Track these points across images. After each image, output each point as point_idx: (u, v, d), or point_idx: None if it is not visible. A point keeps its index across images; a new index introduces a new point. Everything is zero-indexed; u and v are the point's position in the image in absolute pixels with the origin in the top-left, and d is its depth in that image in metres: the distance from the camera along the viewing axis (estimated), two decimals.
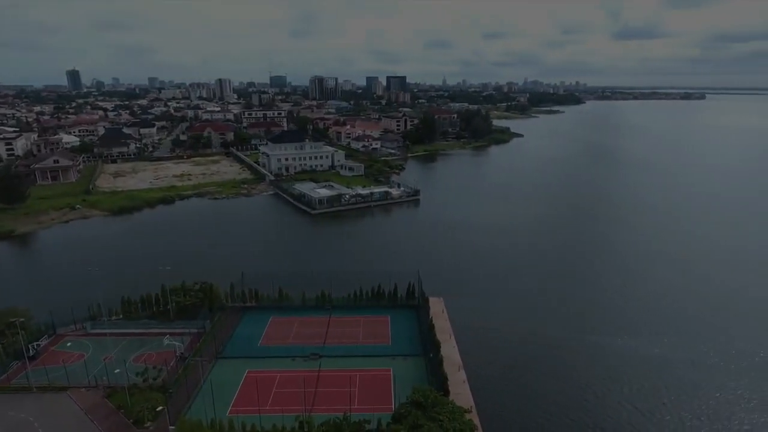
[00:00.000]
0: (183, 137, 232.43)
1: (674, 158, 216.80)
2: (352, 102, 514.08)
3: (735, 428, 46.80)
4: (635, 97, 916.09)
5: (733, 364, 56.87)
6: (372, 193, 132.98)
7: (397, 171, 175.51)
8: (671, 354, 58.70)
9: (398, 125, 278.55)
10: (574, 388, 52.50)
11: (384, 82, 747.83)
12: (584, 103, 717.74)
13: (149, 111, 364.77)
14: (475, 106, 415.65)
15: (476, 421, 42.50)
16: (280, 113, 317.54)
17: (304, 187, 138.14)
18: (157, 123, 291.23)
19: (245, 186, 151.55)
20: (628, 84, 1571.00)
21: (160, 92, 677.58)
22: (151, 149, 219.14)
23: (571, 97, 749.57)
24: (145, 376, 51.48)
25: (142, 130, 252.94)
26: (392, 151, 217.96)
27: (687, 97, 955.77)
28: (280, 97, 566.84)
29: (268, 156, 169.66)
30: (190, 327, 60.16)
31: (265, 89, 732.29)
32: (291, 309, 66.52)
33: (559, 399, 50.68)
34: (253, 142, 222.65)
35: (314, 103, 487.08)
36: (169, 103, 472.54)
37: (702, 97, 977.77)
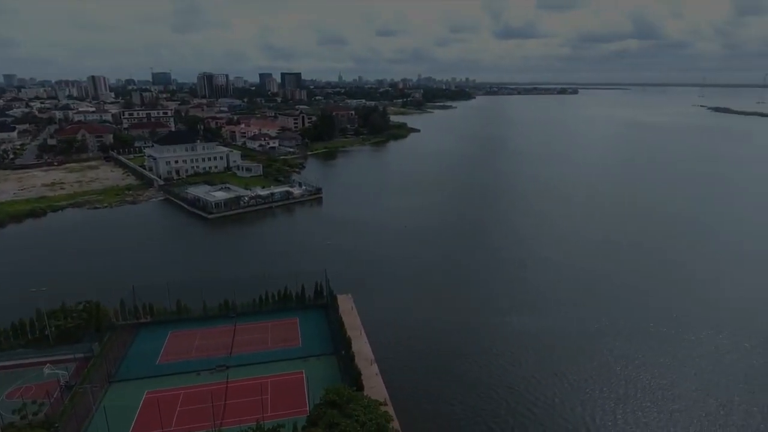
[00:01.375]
0: (52, 141, 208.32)
1: (559, 148, 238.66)
2: (245, 100, 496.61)
3: (614, 386, 53.13)
4: (519, 93, 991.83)
5: (617, 330, 64.37)
6: (272, 194, 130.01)
7: (297, 170, 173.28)
8: (564, 325, 64.94)
9: (296, 123, 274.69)
10: (482, 367, 56.04)
11: (278, 79, 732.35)
12: (474, 98, 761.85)
13: (7, 113, 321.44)
14: (373, 103, 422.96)
15: (391, 411, 43.73)
16: (166, 113, 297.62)
17: (199, 191, 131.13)
18: (18, 126, 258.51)
19: (130, 193, 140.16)
20: (512, 80, 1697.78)
21: (20, 91, 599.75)
22: (12, 156, 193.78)
23: (463, 92, 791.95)
24: (23, 413, 45.87)
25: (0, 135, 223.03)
26: (291, 149, 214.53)
27: (563, 92, 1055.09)
28: (164, 96, 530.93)
29: (155, 159, 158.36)
30: (74, 352, 54.53)
31: (147, 87, 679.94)
32: (191, 321, 63.06)
33: (468, 378, 53.85)
34: (136, 144, 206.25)
35: (204, 101, 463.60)
36: (32, 104, 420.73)
37: (575, 92, 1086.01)
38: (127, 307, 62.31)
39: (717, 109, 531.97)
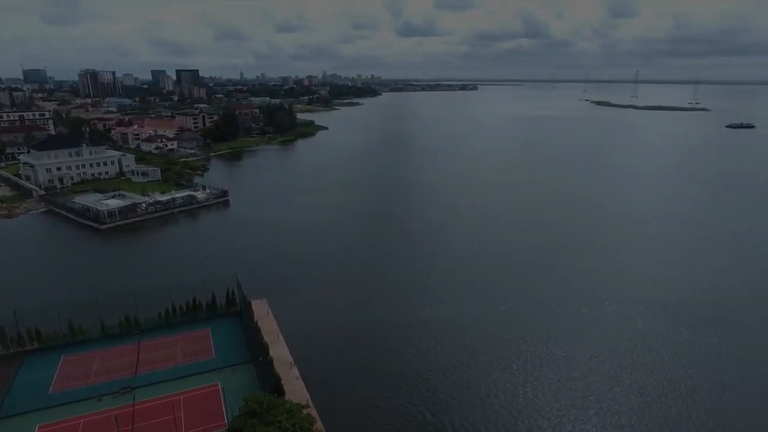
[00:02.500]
0: None
1: (464, 142, 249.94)
2: (137, 99, 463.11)
3: (515, 359, 57.25)
4: (423, 89, 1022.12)
5: (524, 310, 69.13)
6: (174, 199, 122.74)
7: (200, 172, 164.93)
8: (477, 310, 68.50)
9: (195, 123, 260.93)
10: (401, 360, 57.52)
11: (174, 76, 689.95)
12: (380, 94, 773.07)
13: None
14: (278, 100, 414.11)
15: (314, 413, 43.52)
16: (43, 114, 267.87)
17: (88, 200, 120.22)
18: None
19: (4, 205, 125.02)
20: (416, 77, 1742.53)
21: None
22: None
23: (369, 89, 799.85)
24: None
25: None
26: (192, 150, 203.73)
27: (464, 88, 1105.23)
28: (40, 95, 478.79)
29: (32, 167, 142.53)
30: None
31: (18, 86, 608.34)
32: (88, 343, 57.92)
33: (389, 372, 55.04)
34: (9, 150, 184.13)
35: (88, 101, 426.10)
36: None
37: (475, 87, 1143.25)
38: (9, 335, 55.79)
39: (599, 103, 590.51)
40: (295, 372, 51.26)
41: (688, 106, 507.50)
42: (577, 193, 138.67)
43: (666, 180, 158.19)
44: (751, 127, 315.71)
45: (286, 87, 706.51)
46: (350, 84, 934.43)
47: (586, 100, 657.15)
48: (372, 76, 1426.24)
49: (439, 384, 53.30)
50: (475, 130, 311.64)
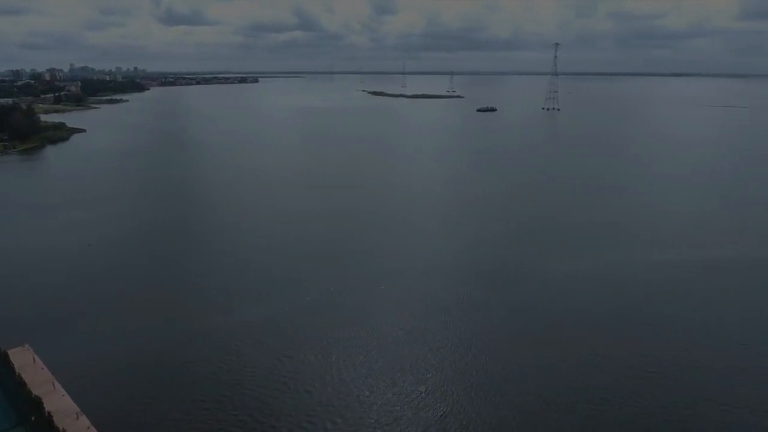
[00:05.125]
0: None
1: (242, 138, 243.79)
2: None
3: (319, 346, 59.77)
4: (198, 82, 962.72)
5: (305, 302, 71.51)
6: None
7: None
8: (273, 309, 68.41)
9: None
10: (203, 373, 54.11)
11: None
12: (149, 89, 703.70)
13: None
14: (10, 100, 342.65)
15: None
16: None
17: None
18: None
19: None
20: (189, 69, 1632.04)
21: None
22: None
23: (134, 84, 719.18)
24: None
25: None
26: None
27: (243, 81, 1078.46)
28: None
29: None
30: None
31: None
32: None
33: (195, 390, 51.30)
34: None
35: None
36: None
37: (256, 80, 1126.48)
38: None
39: (376, 93, 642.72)
40: (85, 421, 43.97)
41: (447, 94, 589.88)
42: (370, 176, 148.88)
43: (441, 157, 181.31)
44: (494, 110, 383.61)
45: (19, 83, 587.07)
46: (108, 78, 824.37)
47: (364, 90, 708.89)
48: (135, 68, 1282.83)
49: (250, 393, 51.68)
50: (261, 124, 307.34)
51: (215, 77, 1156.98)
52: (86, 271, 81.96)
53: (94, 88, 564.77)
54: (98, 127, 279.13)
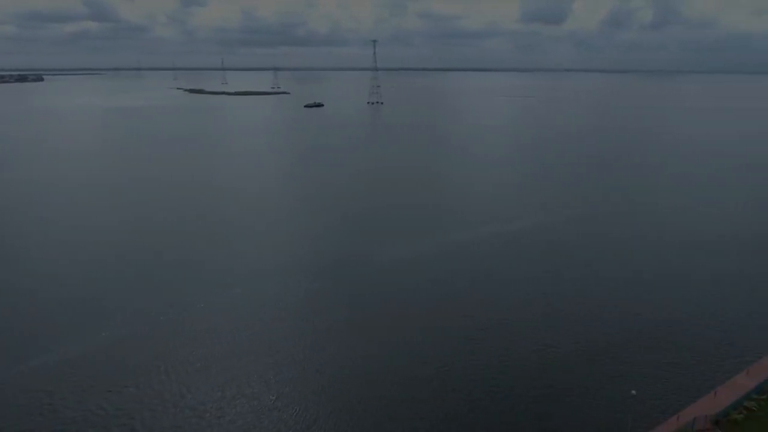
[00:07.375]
0: None
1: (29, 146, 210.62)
2: None
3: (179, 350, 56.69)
4: None
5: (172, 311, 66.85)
6: None
7: None
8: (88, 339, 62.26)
9: None
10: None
11: None
12: None
13: None
14: None
15: None
16: None
17: None
18: None
19: None
20: None
21: None
22: None
23: None
24: None
25: None
26: None
27: (23, 79, 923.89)
28: None
29: None
30: None
31: None
32: None
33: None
34: None
35: None
36: None
37: (40, 78, 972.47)
38: None
39: (193, 91, 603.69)
40: None
41: (272, 90, 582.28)
42: (196, 180, 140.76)
43: (273, 155, 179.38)
44: (321, 105, 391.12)
45: None
46: None
47: (179, 88, 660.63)
48: None
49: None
50: (58, 129, 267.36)
51: None
52: None
53: None
54: None
